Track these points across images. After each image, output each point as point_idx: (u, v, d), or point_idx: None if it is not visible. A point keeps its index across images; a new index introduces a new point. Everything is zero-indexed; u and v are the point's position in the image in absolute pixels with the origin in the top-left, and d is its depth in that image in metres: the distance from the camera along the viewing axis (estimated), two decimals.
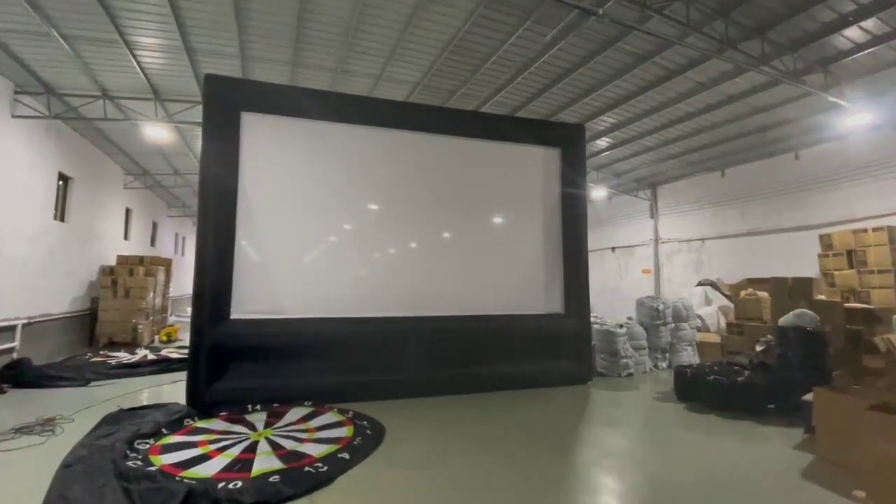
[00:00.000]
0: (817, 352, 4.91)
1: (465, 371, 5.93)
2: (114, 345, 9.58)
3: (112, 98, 7.39)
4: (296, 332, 5.26)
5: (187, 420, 4.41)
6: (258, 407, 4.88)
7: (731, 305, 9.15)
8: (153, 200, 15.52)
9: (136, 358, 7.96)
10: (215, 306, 4.96)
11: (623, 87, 7.56)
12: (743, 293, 7.89)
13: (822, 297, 6.72)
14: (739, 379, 5.01)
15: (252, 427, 4.28)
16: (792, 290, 6.43)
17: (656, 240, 12.30)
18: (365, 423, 4.47)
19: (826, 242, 7.70)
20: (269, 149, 5.47)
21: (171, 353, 8.57)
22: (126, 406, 4.82)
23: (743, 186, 10.08)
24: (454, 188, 6.29)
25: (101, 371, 6.81)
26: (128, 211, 12.95)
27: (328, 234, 5.72)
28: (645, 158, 10.94)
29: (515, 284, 6.48)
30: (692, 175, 11.19)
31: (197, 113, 7.73)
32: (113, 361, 7.60)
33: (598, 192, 12.60)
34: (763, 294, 7.78)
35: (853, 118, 6.54)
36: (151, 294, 10.71)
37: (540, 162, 6.72)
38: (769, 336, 6.57)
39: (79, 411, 4.80)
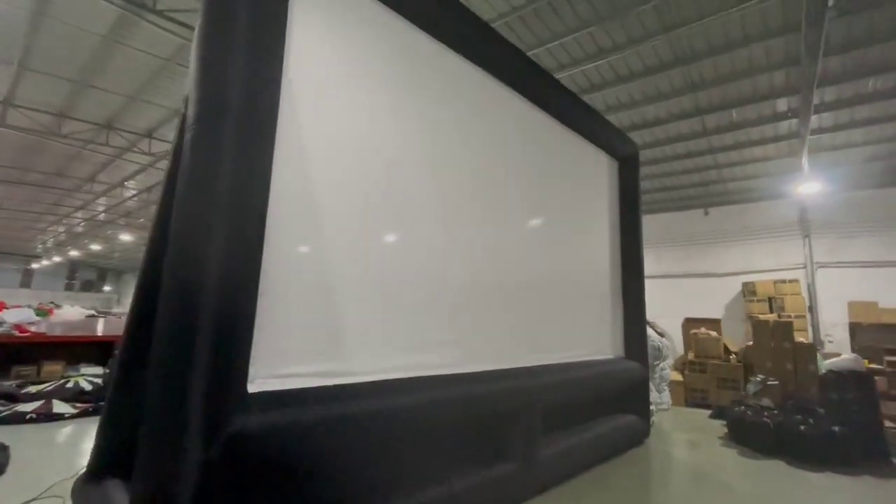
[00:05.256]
0: (873, 396, 5.19)
1: (558, 447, 4.07)
2: None
3: None
4: (375, 406, 2.53)
5: None
6: None
7: (667, 343, 9.76)
8: None
9: None
10: (219, 371, 1.88)
11: (646, 114, 7.26)
12: (698, 332, 8.38)
13: (802, 339, 7.56)
14: (836, 428, 4.83)
15: None
16: (774, 332, 6.98)
17: None
18: None
19: (750, 289, 8.99)
20: (337, 49, 2.69)
21: None
22: None
23: (658, 233, 11.26)
24: (528, 179, 4.45)
25: None
26: None
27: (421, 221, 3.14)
28: None
29: (587, 322, 5.02)
30: None
31: None
32: None
33: None
34: (714, 333, 8.42)
35: (806, 185, 7.90)
36: None
37: (605, 171, 5.60)
38: (760, 377, 6.96)
39: None
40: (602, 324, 5.16)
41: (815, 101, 6.37)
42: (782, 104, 6.45)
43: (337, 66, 2.68)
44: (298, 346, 2.35)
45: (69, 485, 2.92)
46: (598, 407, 4.76)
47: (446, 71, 3.46)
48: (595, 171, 5.41)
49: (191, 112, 2.06)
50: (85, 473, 2.71)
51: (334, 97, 2.64)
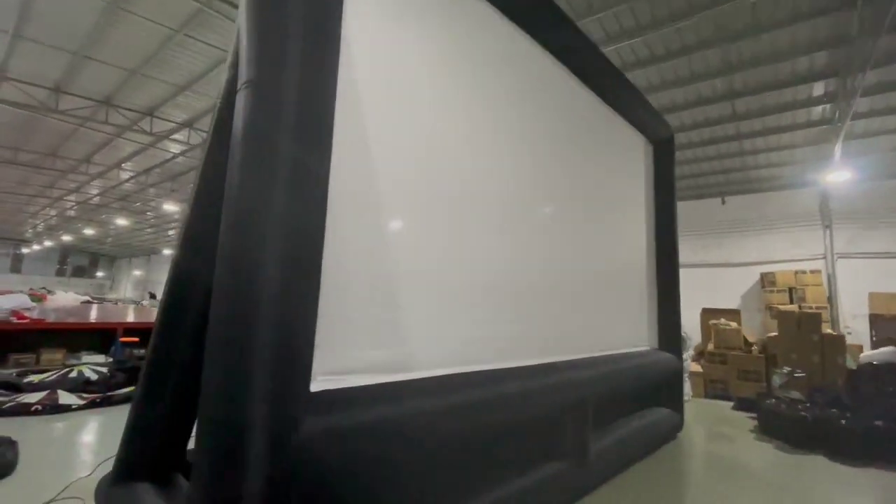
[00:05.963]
0: None
1: (605, 443, 3.87)
2: None
3: None
4: (440, 404, 2.29)
5: None
6: None
7: (687, 333, 9.63)
8: None
9: None
10: (283, 369, 1.62)
11: (674, 97, 6.97)
12: (718, 323, 8.22)
13: (829, 331, 7.42)
14: (879, 423, 4.69)
15: None
16: (801, 323, 6.82)
17: None
18: None
19: (769, 280, 8.83)
20: (394, 19, 2.36)
21: None
22: None
23: None
24: (574, 164, 4.17)
25: None
26: None
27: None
28: None
29: (625, 312, 4.79)
30: None
31: None
32: None
33: None
34: (734, 324, 8.27)
35: (835, 173, 7.70)
36: None
37: (642, 155, 5.32)
38: (786, 369, 6.84)
39: None
40: (639, 314, 4.95)
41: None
42: (819, 88, 6.20)
43: (393, 37, 2.37)
44: (357, 341, 2.09)
45: (87, 484, 2.67)
46: (635, 401, 4.58)
47: (503, 45, 3.14)
48: (633, 154, 5.14)
49: (244, 71, 1.77)
50: (111, 474, 2.46)
51: (390, 69, 2.33)
